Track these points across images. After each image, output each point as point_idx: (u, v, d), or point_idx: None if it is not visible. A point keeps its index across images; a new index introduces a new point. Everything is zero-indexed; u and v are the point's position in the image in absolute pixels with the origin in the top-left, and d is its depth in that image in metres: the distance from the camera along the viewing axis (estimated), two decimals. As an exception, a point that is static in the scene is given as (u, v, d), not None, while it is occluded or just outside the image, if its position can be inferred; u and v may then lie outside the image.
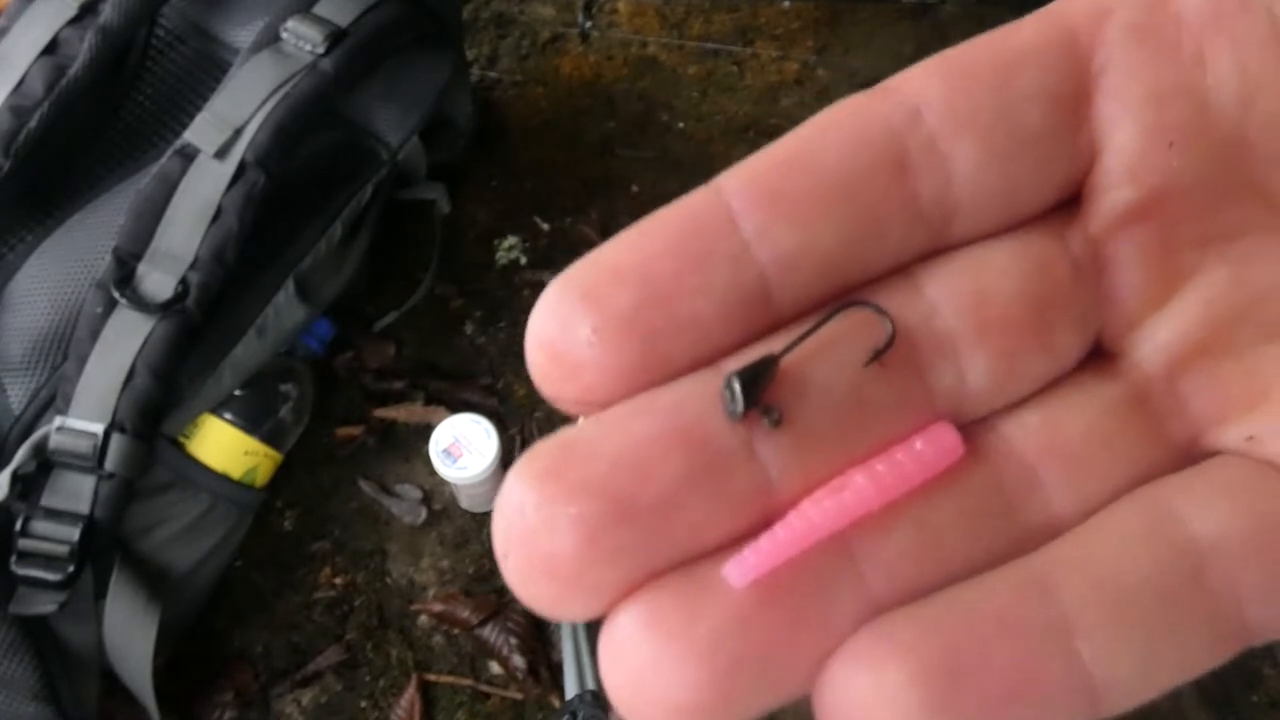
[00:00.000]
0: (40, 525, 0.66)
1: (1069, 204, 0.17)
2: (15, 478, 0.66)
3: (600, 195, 1.03)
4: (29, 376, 0.70)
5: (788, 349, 0.15)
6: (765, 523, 0.15)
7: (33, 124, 0.71)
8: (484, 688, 0.81)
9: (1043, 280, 0.16)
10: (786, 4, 1.15)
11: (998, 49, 0.16)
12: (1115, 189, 0.16)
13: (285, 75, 0.75)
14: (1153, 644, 0.15)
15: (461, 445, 0.82)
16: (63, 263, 0.73)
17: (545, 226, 1.02)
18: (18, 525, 0.66)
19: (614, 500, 0.14)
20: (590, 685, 0.73)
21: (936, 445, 0.16)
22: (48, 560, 0.66)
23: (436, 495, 0.89)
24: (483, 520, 0.88)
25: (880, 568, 0.15)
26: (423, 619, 0.84)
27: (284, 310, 0.80)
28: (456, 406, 0.91)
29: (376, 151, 0.84)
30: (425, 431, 0.88)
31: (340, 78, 0.77)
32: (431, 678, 0.82)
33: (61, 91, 0.72)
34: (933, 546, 0.16)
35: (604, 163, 1.06)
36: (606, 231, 1.01)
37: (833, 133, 0.16)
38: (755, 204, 0.15)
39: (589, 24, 1.08)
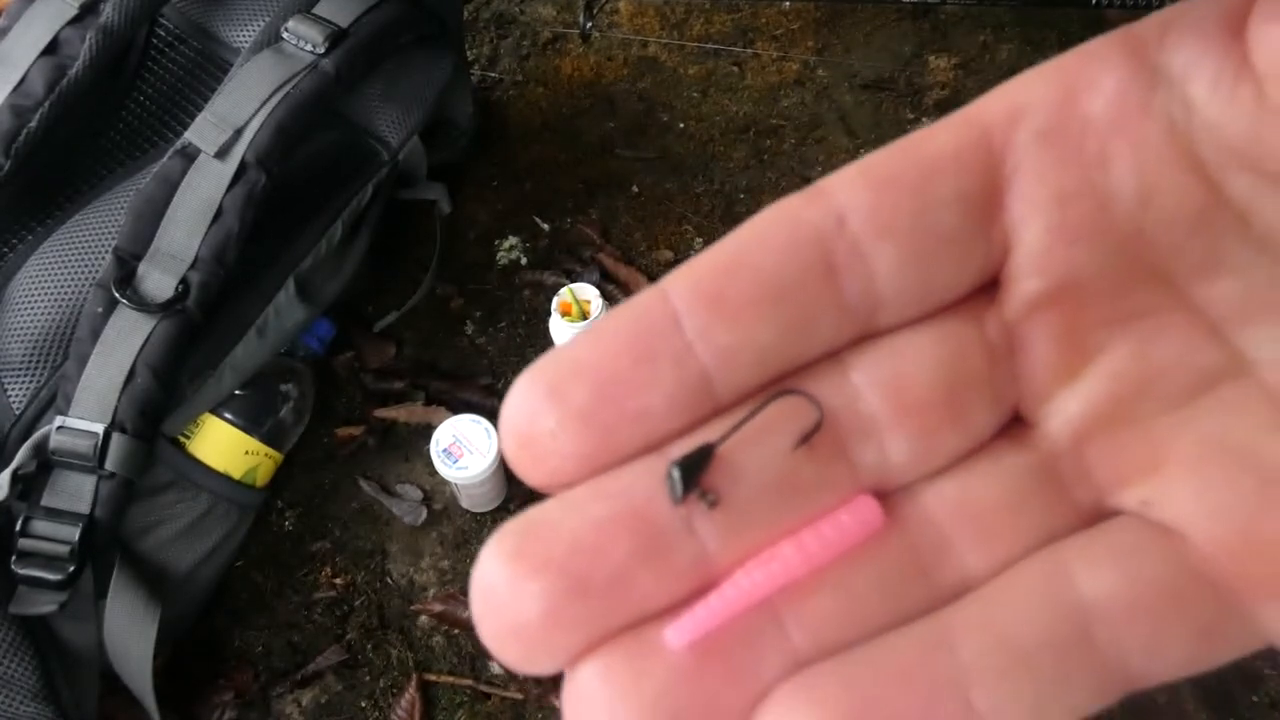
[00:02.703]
0: (40, 525, 0.66)
1: (990, 286, 0.19)
2: (15, 477, 0.66)
3: (601, 195, 1.03)
4: (29, 376, 0.71)
5: (724, 437, 0.17)
6: (704, 590, 0.17)
7: (33, 124, 0.71)
8: (484, 688, 0.81)
9: (957, 364, 0.18)
10: (787, 4, 1.15)
11: (917, 155, 0.18)
12: (1025, 279, 0.18)
13: (286, 75, 0.75)
14: (1042, 696, 0.17)
15: (462, 445, 0.82)
16: (63, 263, 0.73)
17: (545, 227, 1.02)
18: (18, 525, 0.66)
19: (572, 576, 0.16)
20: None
21: (858, 517, 0.18)
22: (48, 560, 0.66)
23: (437, 495, 0.89)
24: (483, 520, 0.88)
25: (804, 628, 0.17)
26: (423, 619, 0.84)
27: (284, 310, 0.80)
28: (457, 406, 0.91)
29: (377, 151, 0.84)
30: (425, 431, 0.88)
31: (341, 78, 0.77)
32: (432, 678, 0.82)
33: (62, 91, 0.72)
34: (852, 608, 0.17)
35: (604, 163, 1.06)
36: (607, 232, 1.01)
37: (768, 237, 0.18)
38: (697, 306, 0.17)
39: (589, 24, 1.08)
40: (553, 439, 0.17)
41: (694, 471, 0.17)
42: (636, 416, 0.17)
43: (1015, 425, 0.19)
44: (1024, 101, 0.18)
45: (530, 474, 0.17)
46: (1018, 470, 0.18)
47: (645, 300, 0.17)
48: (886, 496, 0.18)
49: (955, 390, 0.18)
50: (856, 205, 0.17)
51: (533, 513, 0.17)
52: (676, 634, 0.17)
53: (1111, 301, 0.18)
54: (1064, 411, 0.18)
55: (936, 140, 0.18)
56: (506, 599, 0.16)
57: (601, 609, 0.17)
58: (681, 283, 0.17)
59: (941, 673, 0.17)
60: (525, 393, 0.17)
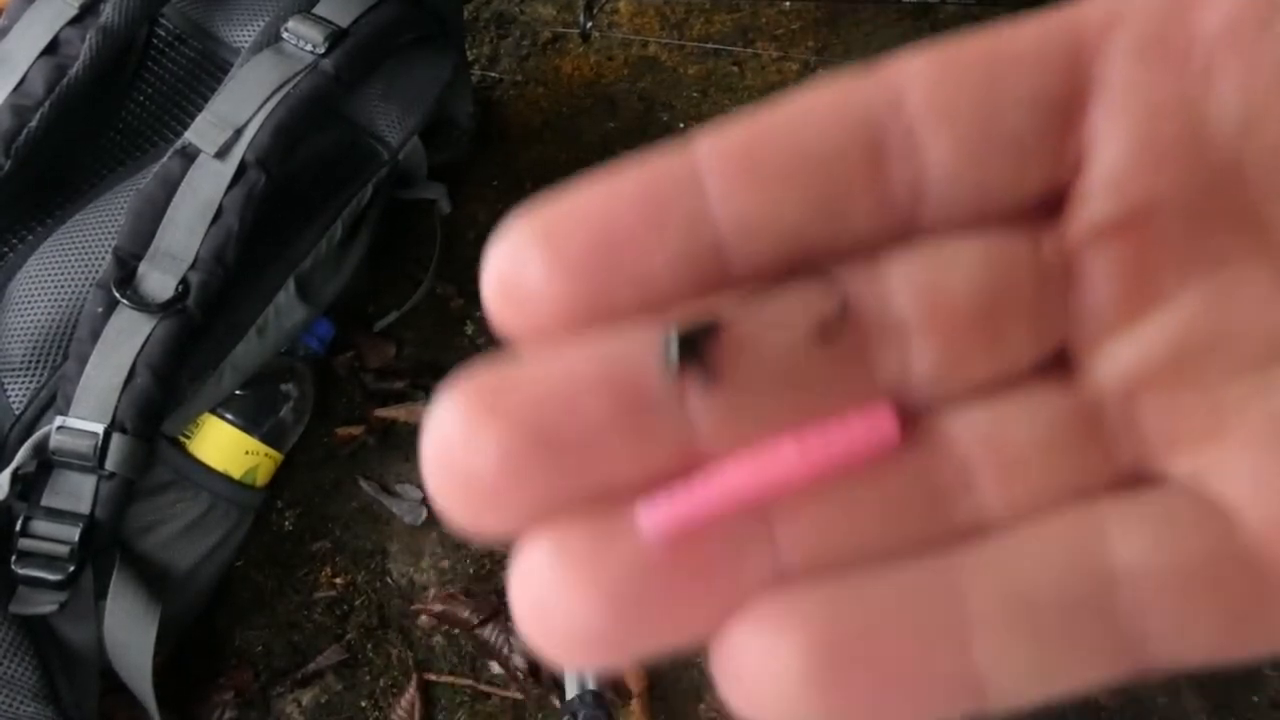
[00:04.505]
0: (41, 525, 0.66)
1: (1049, 210, 0.16)
2: (16, 477, 0.66)
3: (601, 195, 1.03)
4: (29, 376, 0.71)
5: (734, 311, 0.16)
6: (686, 475, 0.15)
7: (34, 124, 0.71)
8: (484, 688, 0.81)
9: (1002, 281, 0.16)
10: (787, 4, 1.15)
11: (995, 47, 0.16)
12: (1096, 200, 0.16)
13: (286, 75, 0.75)
14: (1047, 656, 0.15)
15: (462, 445, 0.82)
16: (63, 263, 0.73)
17: (546, 226, 1.01)
18: (18, 525, 0.66)
19: (536, 428, 0.15)
20: (591, 685, 0.73)
21: (872, 426, 0.16)
22: (48, 560, 0.66)
23: (437, 495, 0.89)
24: (483, 520, 0.88)
25: (795, 539, 0.15)
26: (423, 619, 0.84)
27: (284, 310, 0.80)
28: (457, 406, 0.91)
29: (377, 151, 0.84)
30: (425, 431, 0.88)
31: (341, 78, 0.77)
32: (432, 678, 0.82)
33: (62, 91, 0.72)
34: (852, 526, 0.16)
35: (605, 163, 1.05)
36: (607, 231, 1.01)
37: (814, 109, 0.16)
38: (723, 167, 0.15)
39: (589, 24, 1.08)
40: (539, 287, 0.15)
41: (694, 342, 0.15)
42: (636, 276, 0.15)
43: (1058, 368, 0.17)
44: (1126, 7, 0.16)
45: (508, 322, 0.16)
46: (1057, 413, 0.16)
47: (667, 155, 0.16)
48: (906, 415, 0.16)
49: (996, 308, 0.16)
50: (918, 86, 0.16)
51: (507, 360, 0.15)
52: (650, 514, 0.15)
53: (1191, 240, 0.16)
54: (1118, 358, 0.16)
55: (1020, 34, 0.16)
56: (459, 444, 0.15)
57: (566, 470, 0.15)
58: (710, 140, 0.16)
59: (943, 615, 0.15)
60: (516, 235, 0.15)
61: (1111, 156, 0.16)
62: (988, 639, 0.15)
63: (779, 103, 0.16)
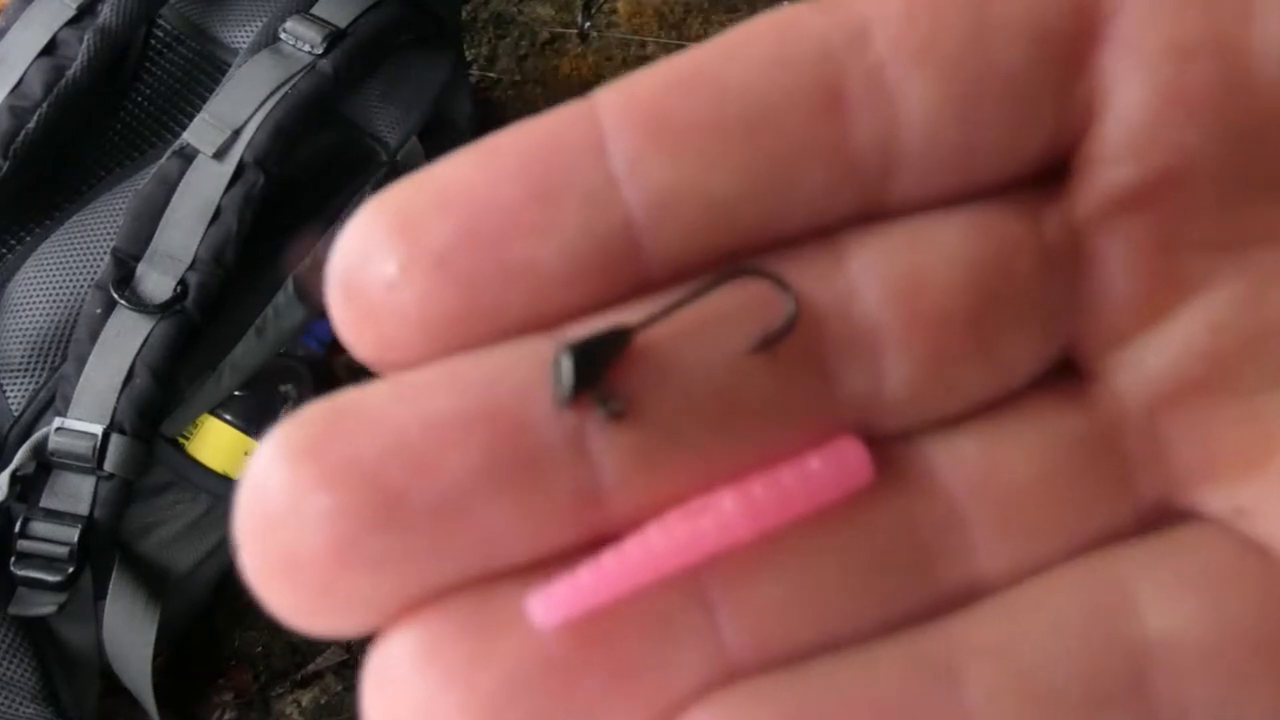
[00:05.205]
0: (40, 526, 0.66)
1: (1052, 179, 0.13)
2: (15, 479, 0.66)
3: (599, 195, 1.03)
4: (28, 377, 0.71)
5: (650, 320, 0.12)
6: (594, 544, 0.12)
7: (31, 125, 0.71)
8: (484, 688, 0.81)
9: (998, 269, 0.13)
10: (785, 4, 1.15)
11: None
12: (1112, 165, 0.12)
13: (284, 76, 0.75)
14: None
15: (461, 445, 0.82)
16: (62, 264, 0.73)
17: (544, 226, 1.02)
18: (17, 526, 0.66)
19: (384, 492, 0.11)
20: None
21: (837, 467, 0.12)
22: (47, 561, 0.66)
23: (436, 495, 0.89)
24: (482, 520, 0.88)
25: (742, 621, 0.12)
26: (423, 619, 0.84)
27: (284, 311, 0.80)
28: (456, 407, 0.91)
29: (375, 152, 0.84)
30: (425, 432, 0.88)
31: (339, 78, 0.77)
32: (431, 678, 0.82)
33: (60, 92, 0.72)
34: (815, 600, 0.12)
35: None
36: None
37: (752, 47, 0.12)
38: (633, 127, 0.12)
39: (588, 24, 1.08)
40: (390, 291, 0.11)
41: (595, 362, 0.11)
42: (520, 273, 0.12)
43: (1065, 380, 0.13)
44: None
45: (356, 340, 0.12)
46: (1065, 438, 0.13)
47: (565, 114, 0.12)
48: (877, 445, 0.13)
49: (988, 306, 0.12)
50: (887, 16, 0.12)
51: (346, 396, 0.12)
52: (543, 605, 0.11)
53: (1226, 214, 0.12)
54: (1141, 365, 0.13)
55: None
56: (279, 514, 0.11)
57: (426, 548, 0.11)
58: (618, 94, 0.12)
59: (936, 713, 0.12)
60: (366, 223, 0.12)
61: (1129, 107, 0.12)
62: None
63: (712, 40, 0.12)
